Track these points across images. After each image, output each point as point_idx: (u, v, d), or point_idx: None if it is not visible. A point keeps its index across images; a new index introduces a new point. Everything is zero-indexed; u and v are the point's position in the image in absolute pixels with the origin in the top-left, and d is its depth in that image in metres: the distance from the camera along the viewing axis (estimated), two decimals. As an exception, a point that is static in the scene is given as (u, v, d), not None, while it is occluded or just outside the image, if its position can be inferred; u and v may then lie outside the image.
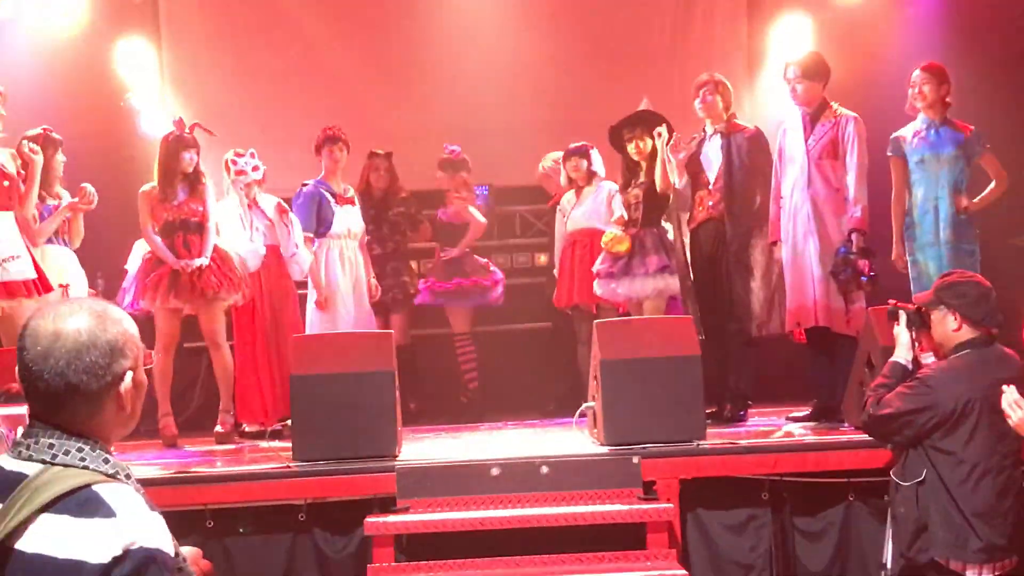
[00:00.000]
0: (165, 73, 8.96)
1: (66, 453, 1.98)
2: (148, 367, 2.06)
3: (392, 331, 5.83)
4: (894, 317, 4.53)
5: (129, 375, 2.05)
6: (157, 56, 8.90)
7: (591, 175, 7.65)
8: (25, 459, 1.99)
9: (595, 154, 7.63)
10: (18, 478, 1.95)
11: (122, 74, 8.62)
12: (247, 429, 7.08)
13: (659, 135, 6.73)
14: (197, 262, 6.50)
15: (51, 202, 6.53)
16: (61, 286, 6.43)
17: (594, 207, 7.58)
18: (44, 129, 6.53)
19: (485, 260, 8.09)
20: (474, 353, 7.99)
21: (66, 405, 2.00)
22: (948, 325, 4.30)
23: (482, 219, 8.04)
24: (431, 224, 8.10)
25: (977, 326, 4.27)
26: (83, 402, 2.00)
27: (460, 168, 7.99)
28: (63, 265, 6.55)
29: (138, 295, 6.57)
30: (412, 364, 7.81)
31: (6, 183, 5.92)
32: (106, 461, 2.00)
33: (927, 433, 4.22)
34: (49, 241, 6.50)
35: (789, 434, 5.97)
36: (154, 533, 1.93)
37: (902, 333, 4.48)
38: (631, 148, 6.95)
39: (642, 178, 6.95)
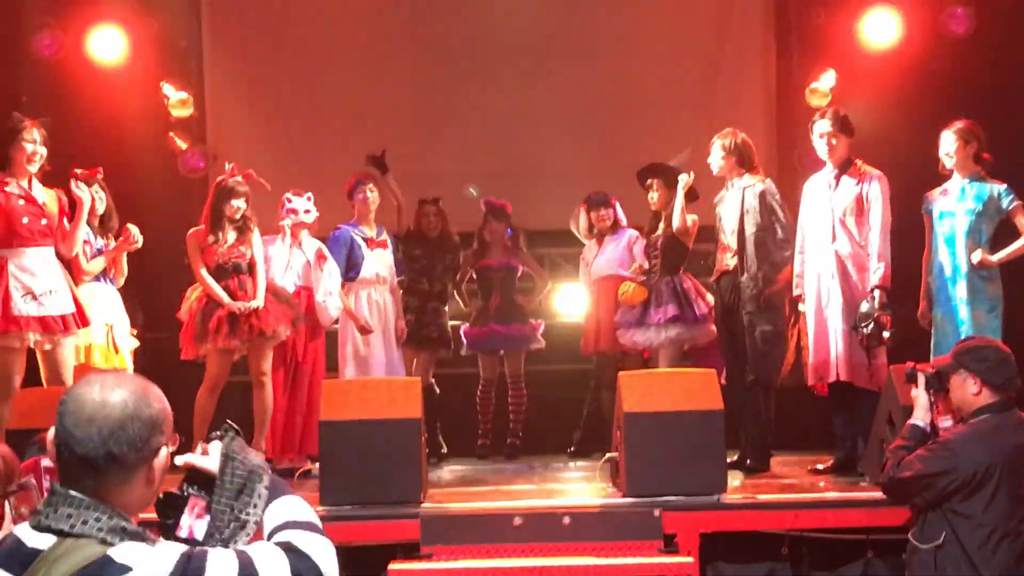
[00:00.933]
0: (207, 114, 9.15)
1: (84, 523, 2.04)
2: (172, 449, 2.17)
3: (419, 378, 5.92)
4: (912, 380, 4.56)
5: (164, 451, 2.14)
6: (199, 97, 9.08)
7: (616, 224, 7.79)
8: (44, 529, 2.05)
9: (617, 204, 7.82)
10: (34, 554, 2.02)
11: (165, 114, 8.81)
12: (279, 467, 7.19)
13: (686, 179, 6.87)
14: (253, 304, 6.62)
15: (100, 242, 6.68)
16: (106, 324, 6.58)
17: (616, 255, 7.73)
18: (94, 168, 6.69)
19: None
20: (524, 396, 8.17)
21: (100, 473, 2.07)
22: (968, 389, 4.33)
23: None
24: (474, 269, 8.20)
25: (997, 391, 4.30)
26: (118, 472, 2.08)
27: (507, 219, 8.14)
28: (108, 304, 6.67)
29: (197, 340, 6.62)
30: (433, 404, 7.90)
31: (43, 221, 6.04)
32: (124, 530, 2.06)
33: (947, 496, 4.24)
34: (96, 279, 6.61)
35: (810, 488, 6.00)
36: (164, 555, 2.02)
37: (920, 395, 4.52)
38: (649, 196, 7.12)
39: (661, 228, 7.08)
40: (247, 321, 6.60)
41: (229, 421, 2.33)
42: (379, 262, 7.51)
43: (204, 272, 6.66)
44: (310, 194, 7.23)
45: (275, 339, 6.75)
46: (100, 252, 6.61)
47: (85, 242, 6.50)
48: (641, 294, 7.15)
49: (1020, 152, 7.44)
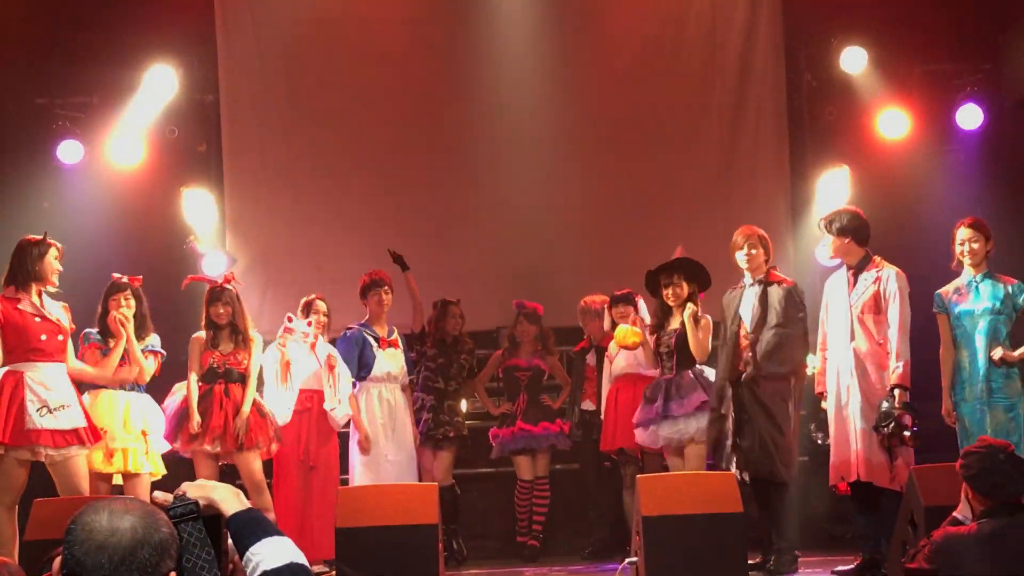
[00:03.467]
0: (226, 217, 9.27)
1: None
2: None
3: (435, 484, 5.89)
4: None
5: (173, 575, 2.13)
6: (218, 201, 9.21)
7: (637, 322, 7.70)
8: None
9: (641, 302, 7.65)
10: None
11: (184, 219, 8.93)
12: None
13: (689, 308, 6.81)
14: (244, 416, 6.68)
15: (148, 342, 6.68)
16: (142, 432, 6.55)
17: (638, 353, 7.60)
18: (131, 278, 6.73)
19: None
20: (548, 498, 8.10)
21: None
22: (966, 491, 4.31)
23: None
24: (502, 368, 8.19)
25: (984, 499, 4.23)
26: None
27: (538, 321, 8.16)
28: (142, 411, 6.63)
29: (169, 437, 6.71)
30: (454, 504, 7.84)
31: (60, 337, 6.09)
32: None
33: None
34: (130, 388, 6.59)
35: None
36: None
37: (963, 490, 4.46)
38: (667, 292, 7.02)
39: (675, 324, 7.01)
40: (222, 426, 6.67)
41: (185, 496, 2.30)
42: (390, 361, 7.53)
43: (193, 378, 6.80)
44: (312, 319, 7.29)
45: (253, 449, 6.77)
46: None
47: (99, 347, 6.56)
48: (635, 336, 7.10)
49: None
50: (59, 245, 6.15)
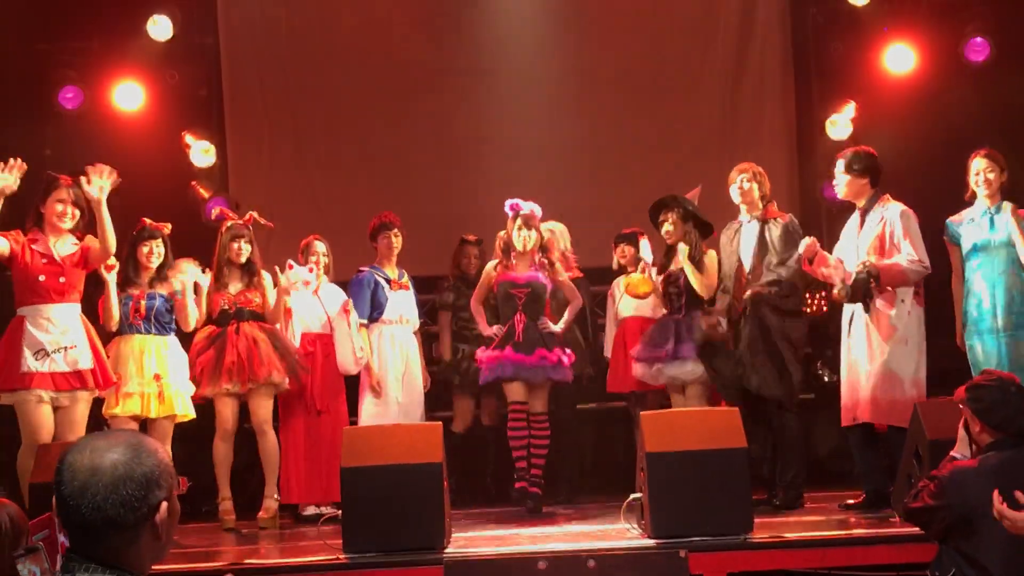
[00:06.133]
0: (228, 161, 9.22)
1: None
2: (181, 493, 2.19)
3: (439, 423, 5.89)
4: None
5: (164, 505, 2.13)
6: (220, 145, 9.16)
7: (638, 262, 7.48)
8: None
9: (644, 242, 7.35)
10: None
11: (187, 164, 8.89)
12: (305, 513, 7.19)
13: (683, 250, 6.77)
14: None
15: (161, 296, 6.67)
16: (155, 375, 6.55)
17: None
18: (160, 224, 6.78)
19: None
20: (548, 437, 7.07)
21: (103, 538, 2.08)
22: (972, 425, 4.29)
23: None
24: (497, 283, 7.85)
25: (996, 430, 4.21)
26: (119, 534, 2.08)
27: (535, 225, 7.20)
28: (159, 355, 6.63)
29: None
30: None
31: (61, 279, 6.00)
32: None
33: (946, 532, 4.15)
34: (149, 331, 6.60)
35: (839, 524, 5.92)
36: None
37: (961, 428, 4.45)
38: (663, 229, 7.00)
39: (680, 261, 6.95)
40: (239, 363, 6.71)
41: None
42: (402, 303, 7.50)
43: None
44: (312, 266, 7.24)
45: (269, 386, 6.83)
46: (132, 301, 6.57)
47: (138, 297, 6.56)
48: (646, 285, 7.03)
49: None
50: (76, 187, 6.01)
